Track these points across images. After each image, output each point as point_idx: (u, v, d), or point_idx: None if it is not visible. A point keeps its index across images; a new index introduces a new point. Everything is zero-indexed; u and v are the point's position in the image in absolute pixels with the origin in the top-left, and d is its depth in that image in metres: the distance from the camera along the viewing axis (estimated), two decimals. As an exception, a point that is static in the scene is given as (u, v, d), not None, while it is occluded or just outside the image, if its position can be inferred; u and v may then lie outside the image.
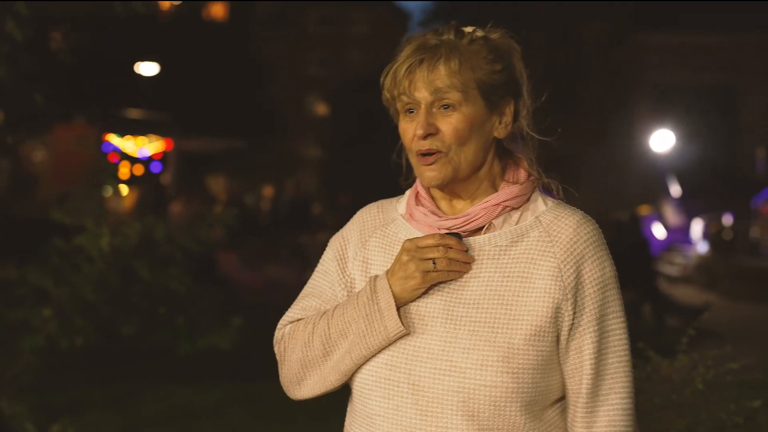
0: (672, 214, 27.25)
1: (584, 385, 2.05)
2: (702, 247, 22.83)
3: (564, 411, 2.12)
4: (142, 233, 6.45)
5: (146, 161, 23.07)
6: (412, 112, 2.10)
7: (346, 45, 58.53)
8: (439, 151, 2.08)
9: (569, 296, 2.03)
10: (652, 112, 30.23)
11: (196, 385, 8.23)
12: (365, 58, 54.49)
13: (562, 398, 2.11)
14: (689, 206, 26.29)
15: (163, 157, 23.32)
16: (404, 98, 2.10)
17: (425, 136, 2.07)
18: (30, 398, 6.51)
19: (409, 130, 2.10)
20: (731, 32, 30.26)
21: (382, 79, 2.14)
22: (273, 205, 25.84)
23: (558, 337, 2.04)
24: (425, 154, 2.09)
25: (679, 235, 24.93)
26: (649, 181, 29.13)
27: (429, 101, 2.07)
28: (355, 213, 2.35)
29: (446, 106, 2.06)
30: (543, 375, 2.03)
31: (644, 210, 16.64)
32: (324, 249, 2.34)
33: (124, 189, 20.44)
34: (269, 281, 15.90)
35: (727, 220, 22.30)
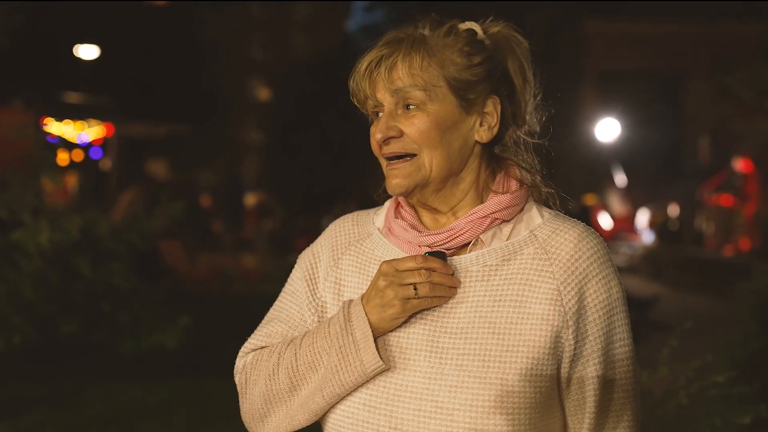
0: (617, 204, 27.35)
1: (586, 423, 1.82)
2: (648, 237, 22.91)
3: None
4: (83, 228, 6.19)
5: (86, 147, 22.53)
6: (379, 115, 1.87)
7: (288, 29, 58.11)
8: (408, 155, 1.82)
9: (570, 323, 1.77)
10: (597, 99, 30.33)
11: (142, 383, 7.92)
12: (308, 42, 54.23)
13: None
14: (634, 196, 26.40)
15: (103, 143, 22.77)
16: (369, 102, 1.86)
17: (385, 140, 1.83)
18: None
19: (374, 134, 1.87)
20: (675, 20, 30.46)
21: (349, 82, 1.88)
22: (212, 193, 25.51)
23: (558, 369, 1.79)
24: (391, 158, 1.84)
25: (625, 225, 25.03)
26: (594, 170, 29.24)
27: (391, 103, 1.82)
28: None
29: (409, 107, 1.81)
30: (542, 415, 1.78)
31: (590, 200, 16.56)
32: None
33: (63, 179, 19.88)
34: (211, 270, 15.57)
35: (673, 209, 22.40)
